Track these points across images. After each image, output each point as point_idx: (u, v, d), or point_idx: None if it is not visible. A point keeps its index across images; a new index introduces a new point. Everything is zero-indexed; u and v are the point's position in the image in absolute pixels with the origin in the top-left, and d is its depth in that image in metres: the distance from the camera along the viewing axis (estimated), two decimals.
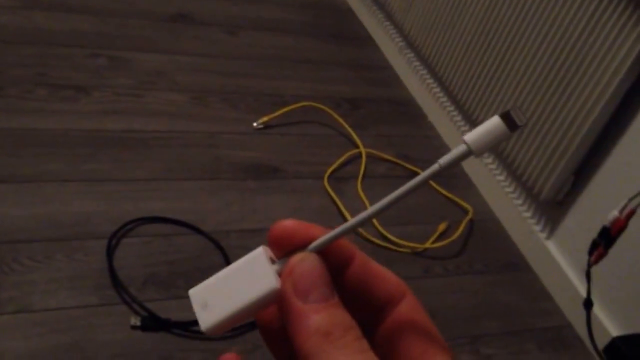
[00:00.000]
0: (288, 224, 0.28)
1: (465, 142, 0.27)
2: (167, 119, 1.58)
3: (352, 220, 0.28)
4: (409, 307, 0.29)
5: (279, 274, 0.28)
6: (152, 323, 1.13)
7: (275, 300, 0.27)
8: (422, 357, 0.27)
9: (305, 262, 0.27)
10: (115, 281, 1.18)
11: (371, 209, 0.28)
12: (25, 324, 1.08)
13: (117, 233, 1.26)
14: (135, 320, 1.13)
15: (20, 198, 1.27)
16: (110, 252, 1.22)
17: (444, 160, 0.27)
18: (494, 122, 0.27)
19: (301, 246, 0.28)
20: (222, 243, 1.30)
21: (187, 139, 1.54)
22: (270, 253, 0.28)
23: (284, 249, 0.28)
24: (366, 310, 0.29)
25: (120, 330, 1.12)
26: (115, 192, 1.35)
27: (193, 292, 0.28)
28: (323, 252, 0.28)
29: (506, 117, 0.26)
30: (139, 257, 1.24)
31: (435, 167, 0.27)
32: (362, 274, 0.29)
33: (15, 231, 1.21)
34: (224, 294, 0.28)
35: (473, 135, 0.27)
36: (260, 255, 0.28)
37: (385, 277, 0.29)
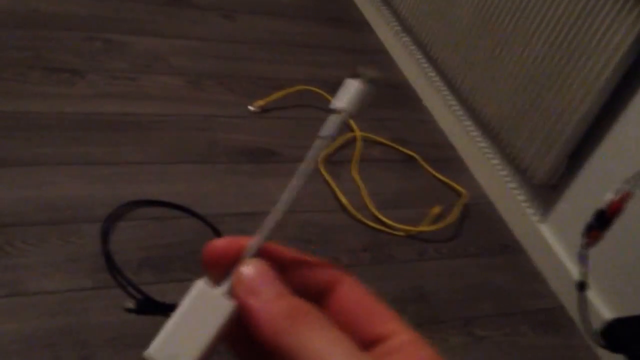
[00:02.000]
0: (218, 244, 0.29)
1: (336, 110, 0.29)
2: (163, 103, 1.57)
3: (270, 219, 0.29)
4: (348, 287, 0.29)
5: (228, 294, 0.28)
6: (147, 306, 1.14)
7: (236, 318, 0.28)
8: (373, 328, 0.28)
9: (250, 265, 0.28)
10: (110, 264, 1.18)
11: (280, 204, 0.29)
12: (20, 307, 1.08)
13: (112, 216, 1.27)
14: (130, 304, 1.13)
15: (15, 181, 1.27)
16: (105, 235, 1.22)
17: (324, 132, 0.29)
18: (351, 83, 0.29)
19: (236, 259, 0.29)
20: (218, 226, 1.31)
21: (183, 123, 1.54)
22: (208, 283, 0.29)
23: (220, 268, 0.29)
24: (310, 299, 0.29)
25: (115, 313, 1.12)
26: (111, 176, 1.35)
27: (153, 351, 0.28)
28: (259, 256, 0.29)
29: (358, 77, 0.29)
30: (134, 240, 1.25)
31: (317, 141, 0.29)
32: (297, 266, 0.30)
33: (9, 214, 1.21)
34: (186, 339, 0.28)
35: (340, 100, 0.29)
36: (202, 287, 0.28)
37: (319, 264, 0.30)
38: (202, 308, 0.28)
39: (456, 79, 1.71)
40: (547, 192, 1.48)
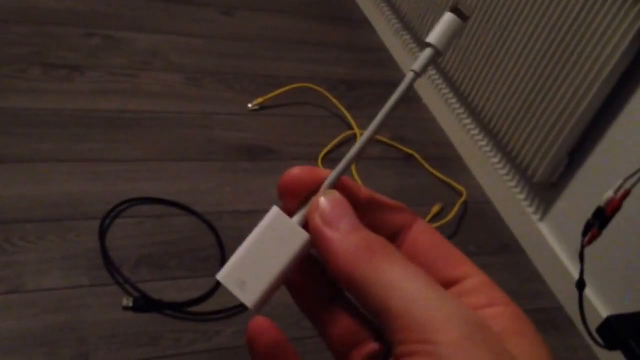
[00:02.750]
0: (296, 172, 0.28)
1: (429, 44, 0.28)
2: (162, 100, 1.57)
3: (352, 151, 0.28)
4: (421, 230, 0.29)
5: (302, 225, 0.28)
6: (145, 304, 1.14)
7: (309, 251, 0.28)
8: (447, 270, 0.28)
9: (329, 196, 0.27)
10: (108, 262, 1.18)
11: (365, 135, 0.28)
12: (17, 304, 1.08)
13: (110, 214, 1.26)
14: (127, 301, 1.13)
15: (13, 178, 1.27)
16: (103, 232, 1.22)
17: (417, 65, 0.28)
18: (448, 18, 0.28)
19: (313, 190, 0.28)
20: (216, 224, 1.31)
21: (182, 120, 1.54)
22: (282, 212, 0.28)
23: (296, 197, 0.28)
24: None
25: (113, 311, 1.12)
26: (109, 173, 1.35)
27: (224, 276, 0.27)
28: (336, 188, 0.28)
29: (456, 11, 0.28)
30: (131, 238, 1.24)
31: (410, 74, 0.28)
32: (372, 205, 0.29)
33: (8, 211, 1.21)
34: (257, 266, 0.27)
35: (434, 36, 0.28)
36: (277, 215, 0.28)
37: (393, 206, 0.30)
38: (276, 235, 0.28)
39: (456, 77, 1.71)
40: (547, 190, 1.48)
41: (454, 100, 1.77)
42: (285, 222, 0.28)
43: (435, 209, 1.52)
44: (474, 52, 1.63)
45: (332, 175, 0.28)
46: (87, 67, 1.58)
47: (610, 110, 1.33)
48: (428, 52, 0.28)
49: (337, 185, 0.28)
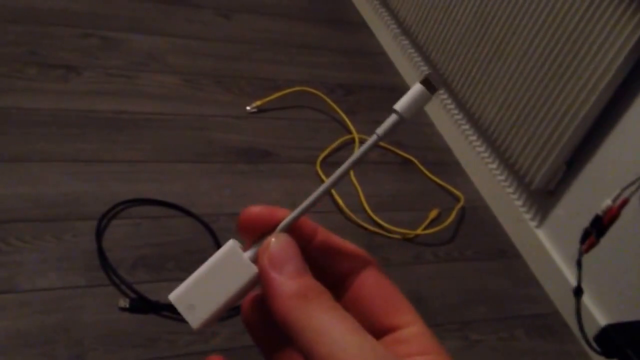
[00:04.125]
0: (255, 210, 0.30)
1: (395, 111, 0.30)
2: (159, 101, 1.57)
3: (310, 198, 0.30)
4: (369, 276, 0.31)
5: (253, 260, 0.30)
6: (141, 305, 1.13)
7: (255, 285, 0.30)
8: (386, 318, 0.29)
9: (279, 239, 0.29)
10: (104, 263, 1.17)
11: (323, 186, 0.30)
12: (13, 304, 1.07)
13: (107, 214, 1.26)
14: (123, 302, 1.12)
15: (9, 178, 1.26)
16: (99, 233, 1.21)
17: (381, 130, 0.30)
18: (417, 89, 0.30)
19: (269, 228, 0.30)
20: (213, 226, 1.30)
21: (179, 122, 1.53)
22: (239, 245, 0.31)
23: (253, 233, 0.31)
24: (331, 280, 0.31)
25: (109, 311, 1.11)
26: (106, 173, 1.34)
27: (175, 297, 0.30)
28: (289, 230, 0.30)
29: (426, 83, 0.30)
30: (128, 238, 1.24)
31: (374, 137, 0.30)
32: (325, 247, 0.31)
33: (3, 211, 1.20)
34: (206, 292, 0.30)
35: (402, 104, 0.30)
36: (232, 248, 0.30)
37: (347, 249, 0.31)
38: (227, 267, 0.30)
39: (455, 83, 1.71)
40: (544, 197, 1.48)
41: (452, 106, 1.77)
42: (238, 256, 0.30)
43: (433, 214, 1.52)
44: (472, 58, 1.63)
45: (288, 218, 0.30)
46: (83, 67, 1.58)
47: (608, 119, 1.33)
48: (393, 118, 0.30)
49: (294, 226, 0.30)
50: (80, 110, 1.46)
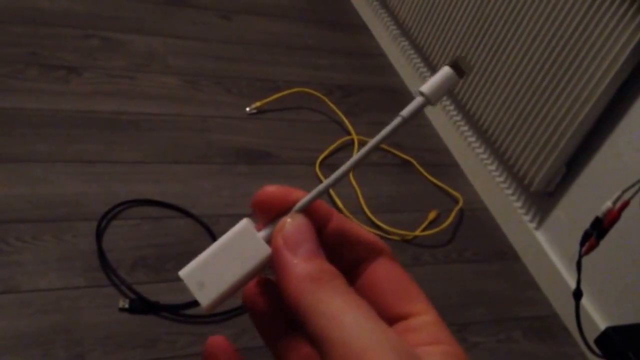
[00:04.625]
0: (270, 190, 0.29)
1: (421, 93, 0.29)
2: (159, 102, 1.57)
3: (328, 180, 0.29)
4: (382, 263, 0.30)
5: (266, 240, 0.29)
6: (141, 306, 1.13)
7: (267, 265, 0.29)
8: (398, 306, 0.29)
9: (294, 220, 0.28)
10: (104, 263, 1.17)
11: (343, 167, 0.29)
12: (13, 304, 1.08)
13: (107, 215, 1.26)
14: (123, 303, 1.12)
15: (9, 178, 1.27)
16: (99, 234, 1.22)
17: (406, 111, 0.29)
18: (445, 71, 0.29)
19: (284, 209, 0.29)
20: (212, 227, 1.30)
21: (179, 123, 1.53)
22: (252, 224, 0.30)
23: (268, 213, 0.30)
24: (345, 265, 0.30)
25: (109, 312, 1.12)
26: (106, 174, 1.34)
27: (185, 274, 0.29)
28: (305, 212, 0.29)
29: (455, 66, 0.29)
30: (128, 239, 1.24)
31: (398, 119, 0.29)
32: (339, 233, 0.30)
33: (4, 211, 1.20)
34: (218, 270, 0.29)
35: (428, 86, 0.29)
36: (246, 226, 0.29)
37: (362, 235, 0.31)
38: (240, 245, 0.29)
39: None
40: (543, 199, 1.48)
41: (451, 107, 1.77)
42: (252, 235, 0.29)
43: (432, 215, 1.52)
44: (472, 59, 1.64)
45: (305, 199, 0.29)
46: (84, 68, 1.58)
47: (608, 121, 1.33)
48: (419, 100, 0.29)
49: (309, 209, 0.29)
50: (81, 111, 1.47)
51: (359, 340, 0.24)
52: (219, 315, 1.16)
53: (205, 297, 0.29)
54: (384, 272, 0.30)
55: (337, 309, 0.25)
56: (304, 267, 0.27)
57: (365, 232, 0.31)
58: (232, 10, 1.99)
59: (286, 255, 0.27)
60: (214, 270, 0.29)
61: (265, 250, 0.29)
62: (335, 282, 0.27)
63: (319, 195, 0.29)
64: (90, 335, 1.07)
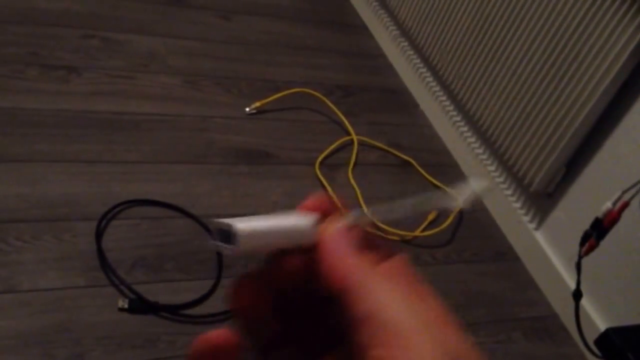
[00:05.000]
0: (320, 195, 0.32)
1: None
2: (159, 102, 1.57)
3: (379, 210, 0.32)
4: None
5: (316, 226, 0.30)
6: (140, 306, 1.13)
7: (304, 245, 0.29)
8: None
9: (347, 220, 0.30)
10: (104, 263, 1.17)
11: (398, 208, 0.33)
12: (12, 304, 1.07)
13: (107, 215, 1.26)
14: (123, 303, 1.12)
15: (9, 177, 1.26)
16: (99, 233, 1.22)
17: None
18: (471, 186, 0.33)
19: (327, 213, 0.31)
20: (212, 227, 1.30)
21: (179, 123, 1.53)
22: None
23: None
24: None
25: (108, 312, 1.12)
26: (105, 174, 1.34)
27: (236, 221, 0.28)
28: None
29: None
30: (128, 239, 1.24)
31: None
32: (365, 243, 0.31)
33: (4, 211, 1.20)
34: (266, 220, 0.29)
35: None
36: (304, 214, 0.30)
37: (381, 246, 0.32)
38: (294, 217, 0.30)
39: (454, 85, 1.71)
40: (543, 200, 1.48)
41: (451, 108, 1.77)
42: (308, 217, 0.30)
43: (431, 215, 1.52)
44: (472, 60, 1.64)
45: (352, 217, 0.31)
46: (84, 68, 1.58)
47: (608, 122, 1.33)
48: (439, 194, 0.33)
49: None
50: (81, 111, 1.47)
51: (405, 322, 0.26)
52: (219, 315, 1.16)
53: (242, 225, 0.28)
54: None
55: (387, 291, 0.27)
56: (356, 253, 0.28)
57: (383, 242, 0.32)
58: (232, 10, 1.99)
59: (341, 240, 0.29)
60: (263, 219, 0.29)
61: (313, 224, 0.30)
62: (382, 270, 0.28)
63: (358, 221, 0.30)
64: (90, 335, 1.07)
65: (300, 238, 0.30)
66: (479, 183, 0.34)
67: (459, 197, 0.33)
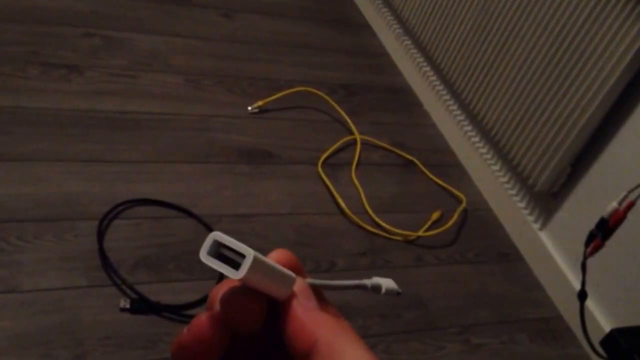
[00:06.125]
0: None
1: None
2: (161, 101, 1.56)
3: (322, 281, 0.32)
4: None
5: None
6: (142, 306, 1.13)
7: (284, 295, 0.29)
8: None
9: (306, 280, 0.31)
10: (105, 263, 1.17)
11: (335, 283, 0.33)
12: (14, 304, 1.07)
13: (108, 214, 1.25)
14: (124, 303, 1.12)
15: (11, 177, 1.26)
16: (100, 233, 1.21)
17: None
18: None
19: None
20: (214, 227, 1.29)
21: (181, 122, 1.52)
22: None
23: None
24: None
25: (109, 312, 1.11)
26: (107, 174, 1.34)
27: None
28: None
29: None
30: (129, 239, 1.23)
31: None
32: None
33: (5, 210, 1.20)
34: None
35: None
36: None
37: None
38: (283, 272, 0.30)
39: (458, 84, 1.70)
40: (547, 200, 1.47)
41: (455, 107, 1.76)
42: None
43: (435, 215, 1.51)
44: (476, 59, 1.63)
45: (312, 280, 0.31)
46: (86, 67, 1.57)
47: (613, 121, 1.33)
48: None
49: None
50: (83, 110, 1.46)
51: None
52: None
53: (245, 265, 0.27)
54: None
55: (352, 348, 0.28)
56: (319, 310, 0.29)
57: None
58: (234, 9, 1.98)
59: (306, 297, 0.30)
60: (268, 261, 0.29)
61: (294, 281, 0.29)
62: (345, 325, 0.29)
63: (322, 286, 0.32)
64: (91, 335, 1.07)
65: (288, 288, 0.29)
66: (389, 284, 0.35)
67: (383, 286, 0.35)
